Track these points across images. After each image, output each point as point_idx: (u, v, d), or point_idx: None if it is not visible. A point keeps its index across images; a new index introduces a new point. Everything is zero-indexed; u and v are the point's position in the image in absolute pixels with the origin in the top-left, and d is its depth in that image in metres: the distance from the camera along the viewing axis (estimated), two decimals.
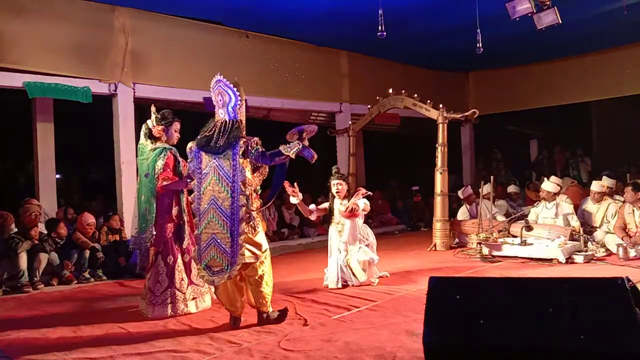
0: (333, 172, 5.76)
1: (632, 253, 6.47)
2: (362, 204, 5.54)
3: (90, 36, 7.52)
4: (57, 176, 8.83)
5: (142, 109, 8.52)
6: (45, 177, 8.04)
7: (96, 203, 9.20)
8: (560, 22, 7.10)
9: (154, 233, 4.62)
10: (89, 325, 4.37)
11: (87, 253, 6.54)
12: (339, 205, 5.64)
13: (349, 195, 5.68)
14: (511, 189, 9.73)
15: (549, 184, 7.55)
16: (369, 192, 5.73)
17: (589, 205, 7.65)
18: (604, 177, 8.05)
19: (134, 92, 7.92)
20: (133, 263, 6.52)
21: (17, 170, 10.20)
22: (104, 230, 7.11)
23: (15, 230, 6.26)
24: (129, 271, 6.67)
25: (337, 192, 5.67)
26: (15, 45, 6.90)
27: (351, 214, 5.53)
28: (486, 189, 7.98)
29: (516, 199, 9.65)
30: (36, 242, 6.12)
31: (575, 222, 7.23)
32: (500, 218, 8.10)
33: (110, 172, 8.03)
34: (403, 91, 8.88)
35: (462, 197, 8.72)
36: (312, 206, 5.82)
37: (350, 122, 10.13)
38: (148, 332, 4.17)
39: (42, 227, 6.68)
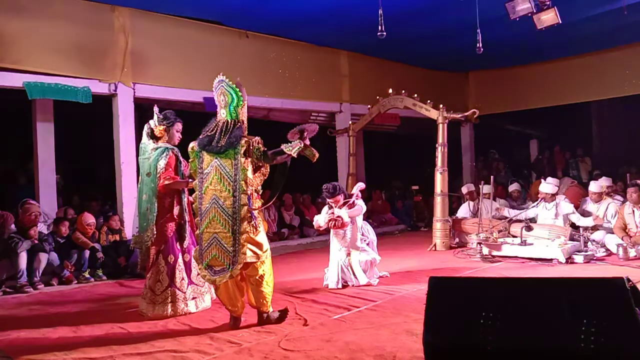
0: (323, 192, 5.67)
1: (632, 253, 6.48)
2: (344, 214, 5.46)
3: (90, 36, 7.51)
4: (57, 176, 8.82)
5: (142, 109, 8.53)
6: (45, 177, 8.03)
7: (96, 203, 9.20)
8: (560, 22, 7.10)
9: (155, 232, 4.63)
10: (89, 325, 4.38)
11: (87, 253, 6.54)
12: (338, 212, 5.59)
13: (347, 199, 5.68)
14: (512, 187, 9.72)
15: (547, 185, 7.55)
16: (350, 199, 5.68)
17: (589, 206, 7.66)
18: (602, 178, 8.06)
19: (134, 92, 7.91)
20: (134, 262, 6.53)
21: (17, 170, 10.19)
22: (104, 230, 7.11)
23: (15, 230, 6.25)
24: (130, 271, 6.69)
25: (335, 207, 5.65)
26: (15, 45, 6.90)
27: (337, 226, 5.50)
28: (486, 188, 7.98)
29: (517, 198, 9.65)
30: (36, 242, 6.12)
31: (579, 222, 7.20)
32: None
33: (110, 172, 8.03)
34: (403, 91, 8.89)
35: (464, 193, 8.72)
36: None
37: (350, 122, 10.13)
38: (148, 332, 4.17)
39: (41, 227, 6.68)
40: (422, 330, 2.65)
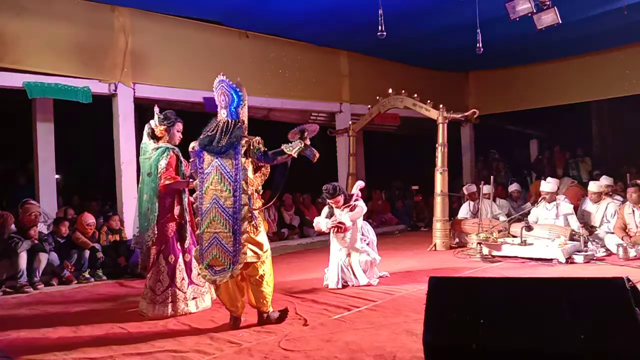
0: (324, 193, 5.67)
1: (632, 253, 6.47)
2: (346, 219, 5.47)
3: (90, 36, 7.52)
4: (57, 176, 8.82)
5: (142, 109, 8.53)
6: (45, 177, 8.03)
7: (96, 203, 9.20)
8: (560, 22, 7.10)
9: (156, 232, 4.63)
10: (89, 325, 4.38)
11: (87, 253, 6.54)
12: (339, 213, 5.61)
13: (347, 199, 5.68)
14: (512, 188, 9.73)
15: (547, 185, 7.56)
16: (350, 199, 5.68)
17: (589, 206, 7.66)
18: (603, 177, 8.05)
19: (134, 92, 7.92)
20: (134, 262, 6.53)
21: (17, 170, 10.19)
22: (104, 230, 7.12)
23: (15, 230, 6.25)
24: (130, 271, 6.69)
25: (336, 208, 5.67)
26: (15, 45, 6.90)
27: (340, 231, 5.51)
28: (486, 189, 7.97)
29: (517, 199, 9.65)
30: (36, 242, 6.12)
31: (574, 224, 7.20)
32: (503, 218, 8.10)
33: (110, 172, 8.03)
34: (403, 91, 8.89)
35: (466, 194, 8.72)
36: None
37: (350, 122, 10.13)
38: (148, 332, 4.17)
39: (41, 227, 6.68)
40: (422, 330, 2.65)
